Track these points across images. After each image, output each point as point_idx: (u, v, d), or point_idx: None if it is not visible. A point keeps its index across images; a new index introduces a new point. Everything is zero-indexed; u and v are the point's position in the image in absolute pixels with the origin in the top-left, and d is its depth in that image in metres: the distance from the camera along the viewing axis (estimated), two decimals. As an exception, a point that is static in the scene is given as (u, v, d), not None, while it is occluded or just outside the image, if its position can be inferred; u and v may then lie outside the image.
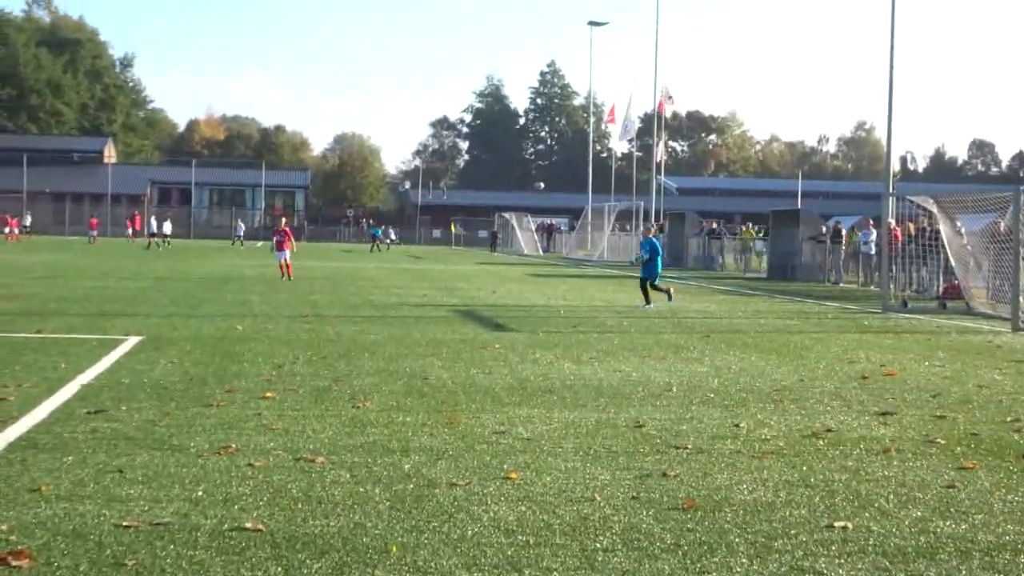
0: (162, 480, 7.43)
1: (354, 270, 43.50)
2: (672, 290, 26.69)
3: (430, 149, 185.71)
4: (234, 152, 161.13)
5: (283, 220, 41.13)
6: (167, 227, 74.81)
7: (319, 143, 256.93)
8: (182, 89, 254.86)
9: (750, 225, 59.10)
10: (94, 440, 8.67)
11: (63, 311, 20.52)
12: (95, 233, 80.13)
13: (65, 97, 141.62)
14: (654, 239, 27.30)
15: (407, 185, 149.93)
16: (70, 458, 8.01)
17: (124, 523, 6.39)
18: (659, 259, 26.44)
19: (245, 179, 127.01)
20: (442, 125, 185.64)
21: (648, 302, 25.62)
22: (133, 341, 15.67)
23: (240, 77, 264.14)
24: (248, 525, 6.41)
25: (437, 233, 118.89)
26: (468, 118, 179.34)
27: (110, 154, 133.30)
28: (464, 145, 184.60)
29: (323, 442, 8.85)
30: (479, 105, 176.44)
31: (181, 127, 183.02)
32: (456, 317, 21.72)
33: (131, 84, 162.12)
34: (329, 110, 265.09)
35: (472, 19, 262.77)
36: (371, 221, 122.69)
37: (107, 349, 14.63)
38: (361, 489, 7.33)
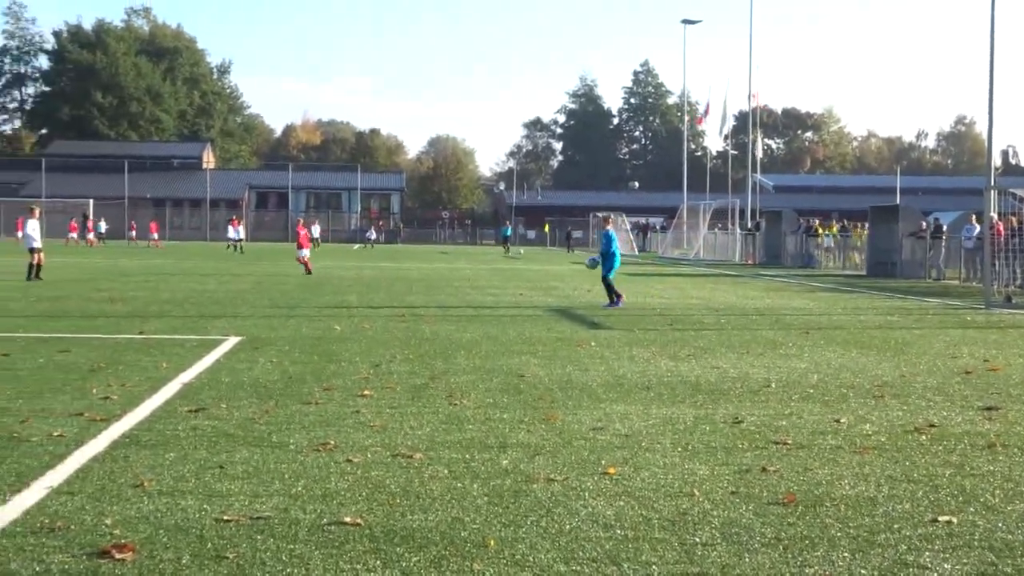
0: (262, 476, 7.50)
1: (450, 271, 43.65)
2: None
3: (524, 150, 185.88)
4: (330, 156, 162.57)
5: (299, 220, 44.25)
6: (231, 232, 76.48)
7: (414, 146, 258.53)
8: (278, 95, 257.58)
9: (817, 223, 58.46)
10: (195, 437, 8.77)
11: (164, 313, 20.81)
12: (74, 235, 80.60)
13: (164, 104, 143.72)
14: (611, 231, 25.39)
15: (501, 186, 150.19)
16: (172, 454, 8.11)
17: (225, 517, 6.45)
18: (616, 253, 24.79)
19: (341, 182, 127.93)
20: (536, 126, 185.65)
21: (615, 300, 24.23)
22: (233, 341, 15.85)
23: (335, 82, 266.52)
24: (347, 519, 6.44)
25: (532, 234, 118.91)
26: (562, 119, 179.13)
27: (209, 159, 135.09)
28: (558, 146, 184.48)
29: (420, 439, 8.87)
30: (572, 106, 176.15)
31: (278, 132, 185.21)
32: (551, 316, 21.71)
33: (228, 90, 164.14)
34: (423, 113, 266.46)
35: (565, 20, 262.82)
36: (468, 222, 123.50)
37: (207, 349, 14.81)
38: (459, 484, 7.34)
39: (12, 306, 21.83)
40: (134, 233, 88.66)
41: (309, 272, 37.62)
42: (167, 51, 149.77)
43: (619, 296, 24.41)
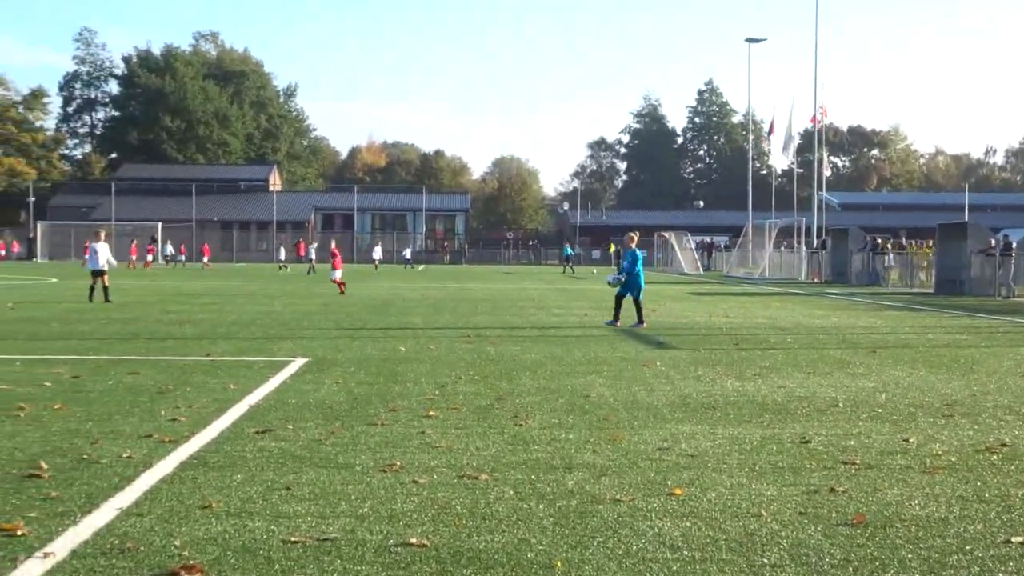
0: (329, 497, 7.52)
1: (515, 291, 43.66)
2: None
3: (588, 170, 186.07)
4: (395, 178, 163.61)
5: (332, 243, 46.92)
6: (283, 253, 77.71)
7: (478, 167, 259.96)
8: (344, 117, 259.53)
9: (881, 241, 58.01)
10: (262, 458, 8.82)
11: (231, 335, 20.97)
12: (134, 258, 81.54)
13: (231, 128, 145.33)
14: (636, 250, 24.74)
15: (566, 206, 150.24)
16: (239, 476, 8.16)
17: (292, 539, 6.47)
18: (640, 273, 24.35)
19: (406, 204, 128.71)
20: (600, 146, 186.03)
21: (640, 320, 23.87)
22: (299, 363, 15.93)
23: (400, 104, 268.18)
24: (413, 541, 6.44)
25: (596, 254, 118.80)
26: (626, 138, 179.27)
27: (275, 182, 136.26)
28: (622, 165, 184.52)
29: (486, 459, 8.87)
30: (637, 125, 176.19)
31: (343, 154, 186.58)
32: (617, 335, 21.65)
33: (294, 113, 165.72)
34: (487, 134, 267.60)
35: (629, 40, 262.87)
36: (532, 242, 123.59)
37: (274, 371, 14.90)
38: (525, 505, 7.32)
39: (83, 328, 22.09)
40: (183, 257, 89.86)
41: (342, 292, 38.78)
42: (234, 75, 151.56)
43: (640, 320, 24.03)
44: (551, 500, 7.47)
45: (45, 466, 8.41)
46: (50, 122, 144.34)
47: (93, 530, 6.64)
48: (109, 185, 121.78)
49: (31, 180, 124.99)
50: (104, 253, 32.73)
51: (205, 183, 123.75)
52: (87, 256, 34.52)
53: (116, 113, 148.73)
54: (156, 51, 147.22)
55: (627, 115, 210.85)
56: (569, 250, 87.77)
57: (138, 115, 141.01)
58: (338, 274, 40.59)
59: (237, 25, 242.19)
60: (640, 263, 24.55)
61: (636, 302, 24.34)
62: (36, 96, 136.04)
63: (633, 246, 24.82)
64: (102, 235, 34.21)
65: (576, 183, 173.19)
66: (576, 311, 29.78)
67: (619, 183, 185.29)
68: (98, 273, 32.28)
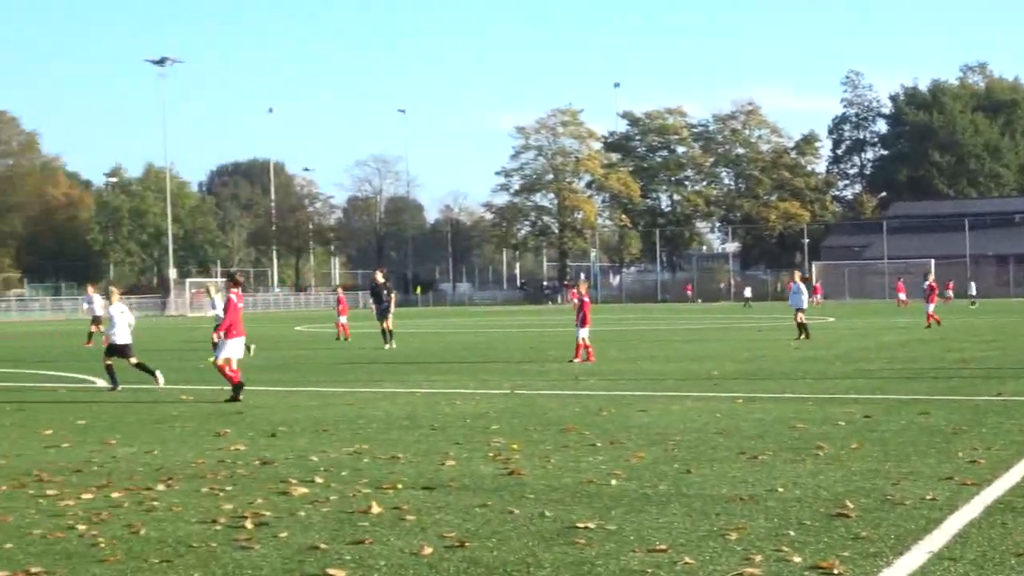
0: None
1: None
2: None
3: None
4: None
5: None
6: None
7: None
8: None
9: None
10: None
11: (1019, 375, 20.29)
12: (903, 296, 76.61)
13: (1003, 159, 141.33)
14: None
15: None
16: (1051, 523, 7.84)
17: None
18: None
19: None
20: None
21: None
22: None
23: None
24: None
25: None
26: None
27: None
28: None
29: None
30: None
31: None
32: None
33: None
34: None
35: None
36: None
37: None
38: None
39: (868, 367, 22.31)
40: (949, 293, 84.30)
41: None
42: (1004, 104, 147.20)
43: None
44: None
45: (851, 505, 8.56)
46: (821, 165, 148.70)
47: (906, 572, 6.66)
48: (879, 224, 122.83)
49: (805, 222, 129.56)
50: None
51: (977, 217, 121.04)
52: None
53: (884, 152, 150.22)
54: (923, 87, 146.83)
55: None
56: None
57: (906, 152, 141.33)
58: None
59: (1006, 53, 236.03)
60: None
61: None
62: (807, 141, 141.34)
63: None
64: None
65: None
66: None
67: None
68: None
